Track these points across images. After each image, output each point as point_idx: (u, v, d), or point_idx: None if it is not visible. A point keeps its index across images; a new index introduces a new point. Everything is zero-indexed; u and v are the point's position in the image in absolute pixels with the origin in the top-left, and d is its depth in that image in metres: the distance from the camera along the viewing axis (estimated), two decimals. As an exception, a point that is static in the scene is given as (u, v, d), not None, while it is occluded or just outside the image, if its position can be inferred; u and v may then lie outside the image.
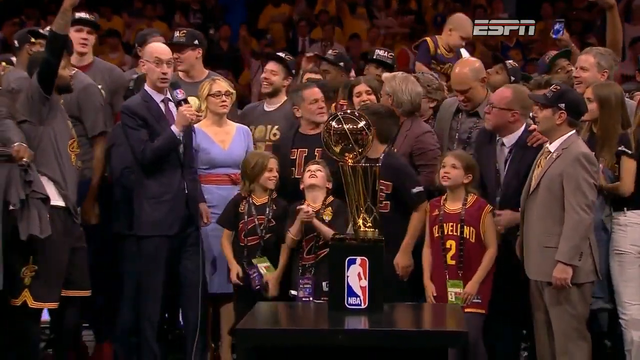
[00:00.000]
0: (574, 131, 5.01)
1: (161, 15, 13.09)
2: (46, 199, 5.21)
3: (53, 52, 5.28)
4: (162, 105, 5.63)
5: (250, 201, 5.60)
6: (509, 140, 5.37)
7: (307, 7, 13.42)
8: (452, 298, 5.19)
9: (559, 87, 5.05)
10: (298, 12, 13.25)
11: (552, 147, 4.99)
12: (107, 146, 5.96)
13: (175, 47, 6.33)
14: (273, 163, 5.61)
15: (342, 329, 4.09)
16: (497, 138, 5.43)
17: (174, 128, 5.49)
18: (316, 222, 5.38)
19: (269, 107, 6.30)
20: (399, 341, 3.98)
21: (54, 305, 5.35)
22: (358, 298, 4.24)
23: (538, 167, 5.04)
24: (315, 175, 5.45)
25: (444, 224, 5.24)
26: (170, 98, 5.63)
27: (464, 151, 5.47)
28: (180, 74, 6.53)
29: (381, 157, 5.37)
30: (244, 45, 12.70)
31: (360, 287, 4.25)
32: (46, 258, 5.26)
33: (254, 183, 5.60)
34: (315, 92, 5.84)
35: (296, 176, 5.70)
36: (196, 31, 6.89)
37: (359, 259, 4.26)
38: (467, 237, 5.21)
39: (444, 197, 5.33)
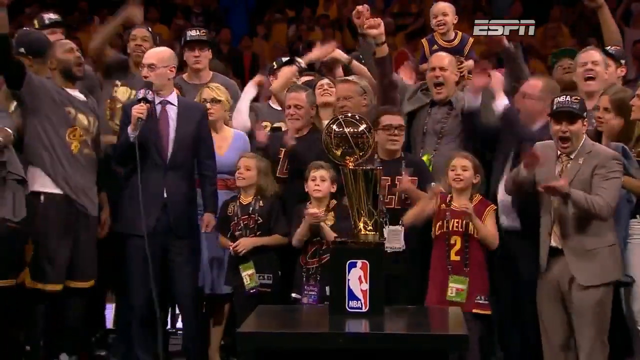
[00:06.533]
0: (586, 135, 5.07)
1: (161, 18, 13.09)
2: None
3: None
4: (158, 107, 5.64)
5: (238, 202, 5.63)
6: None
7: (309, 10, 13.44)
8: (451, 293, 5.20)
9: (578, 97, 5.07)
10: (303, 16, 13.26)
11: (571, 154, 5.02)
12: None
13: (197, 44, 6.36)
14: (242, 162, 5.63)
15: (343, 332, 4.09)
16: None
17: (129, 128, 5.46)
18: (323, 225, 5.38)
19: (278, 105, 6.33)
20: (400, 344, 3.97)
21: (52, 288, 5.37)
22: (359, 301, 4.24)
23: (561, 174, 5.02)
24: (319, 188, 5.45)
25: (450, 220, 5.26)
26: (169, 100, 5.65)
27: (469, 153, 5.48)
28: (185, 75, 6.54)
29: (403, 154, 5.49)
30: (247, 50, 12.72)
31: (361, 290, 4.25)
32: (42, 242, 5.32)
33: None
34: (290, 97, 5.84)
35: (278, 175, 5.74)
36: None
37: (359, 262, 4.25)
38: (472, 232, 5.23)
39: (449, 195, 5.37)
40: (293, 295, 5.47)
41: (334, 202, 5.49)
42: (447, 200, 5.35)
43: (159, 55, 5.74)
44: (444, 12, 6.86)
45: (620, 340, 5.27)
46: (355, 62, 6.47)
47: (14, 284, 5.30)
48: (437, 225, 5.32)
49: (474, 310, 5.19)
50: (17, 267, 5.34)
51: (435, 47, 6.74)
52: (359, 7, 5.83)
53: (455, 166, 5.33)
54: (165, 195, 5.53)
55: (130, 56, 6.48)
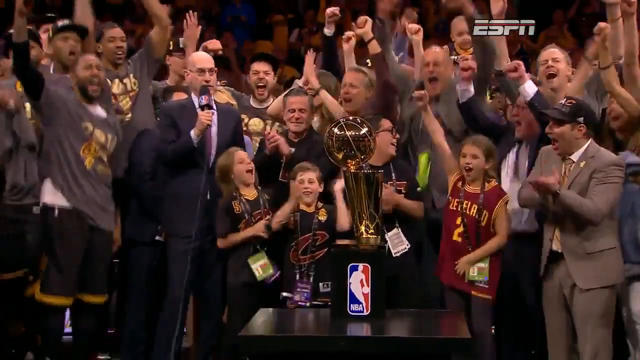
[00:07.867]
0: (591, 139, 5.00)
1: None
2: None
3: (14, 60, 5.29)
4: (200, 112, 5.63)
5: (243, 199, 5.54)
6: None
7: (312, 12, 13.45)
8: (473, 272, 5.14)
9: (574, 101, 5.01)
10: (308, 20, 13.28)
11: (574, 157, 4.98)
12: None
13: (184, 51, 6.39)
14: (241, 154, 5.57)
15: (345, 335, 4.09)
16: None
17: (192, 132, 5.53)
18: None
19: (259, 104, 6.37)
20: (401, 348, 3.98)
21: (62, 301, 5.37)
22: (360, 305, 4.25)
23: (563, 176, 4.98)
24: (309, 191, 5.40)
25: (463, 201, 5.23)
26: (210, 104, 5.67)
27: (482, 136, 5.38)
28: (169, 80, 6.54)
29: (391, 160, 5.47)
30: (249, 54, 12.72)
31: (363, 293, 4.25)
32: (55, 255, 5.32)
33: (230, 182, 5.52)
34: (294, 101, 5.82)
35: (281, 179, 5.72)
36: None
37: (361, 266, 4.26)
38: (481, 220, 5.17)
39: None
40: (283, 294, 5.35)
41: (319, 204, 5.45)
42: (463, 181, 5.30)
43: (212, 59, 5.88)
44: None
45: (622, 344, 5.27)
46: (323, 92, 6.18)
47: (14, 278, 5.31)
48: (451, 200, 5.28)
49: (473, 292, 5.12)
50: (16, 264, 5.36)
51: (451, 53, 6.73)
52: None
53: (466, 154, 5.28)
54: (208, 197, 5.56)
55: (105, 56, 6.16)
